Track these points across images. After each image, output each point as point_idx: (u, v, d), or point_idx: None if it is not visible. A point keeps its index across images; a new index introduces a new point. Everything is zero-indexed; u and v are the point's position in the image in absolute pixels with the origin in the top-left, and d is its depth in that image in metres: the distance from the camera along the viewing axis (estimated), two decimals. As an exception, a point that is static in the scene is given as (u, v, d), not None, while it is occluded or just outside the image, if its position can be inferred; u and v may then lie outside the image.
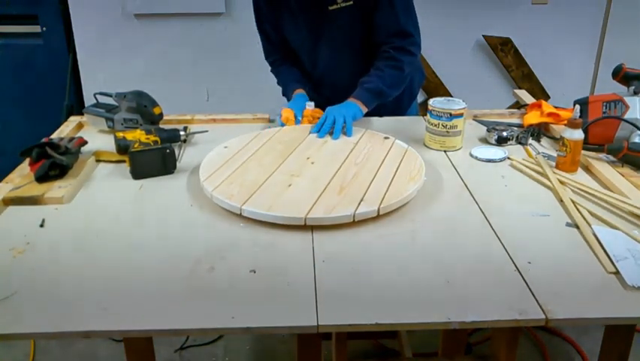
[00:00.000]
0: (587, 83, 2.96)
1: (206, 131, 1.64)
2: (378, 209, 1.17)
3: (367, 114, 1.69)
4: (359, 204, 1.18)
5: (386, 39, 1.67)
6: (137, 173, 1.38)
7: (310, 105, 1.71)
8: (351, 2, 1.63)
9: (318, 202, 1.19)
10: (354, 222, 1.16)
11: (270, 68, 1.90)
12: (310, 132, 1.58)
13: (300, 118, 1.68)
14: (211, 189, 1.23)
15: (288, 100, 1.81)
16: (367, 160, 1.40)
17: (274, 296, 0.95)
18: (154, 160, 1.39)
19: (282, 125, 1.66)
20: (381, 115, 1.79)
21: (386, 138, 1.54)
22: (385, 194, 1.22)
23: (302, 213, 1.14)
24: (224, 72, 2.83)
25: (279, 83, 1.89)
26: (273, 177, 1.30)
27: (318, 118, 1.63)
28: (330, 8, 1.64)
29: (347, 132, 1.57)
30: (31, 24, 2.72)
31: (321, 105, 1.88)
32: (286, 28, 1.76)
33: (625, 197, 1.25)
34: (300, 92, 1.78)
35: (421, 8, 1.72)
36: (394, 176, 1.31)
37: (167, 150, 1.39)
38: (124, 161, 1.41)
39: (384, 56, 1.68)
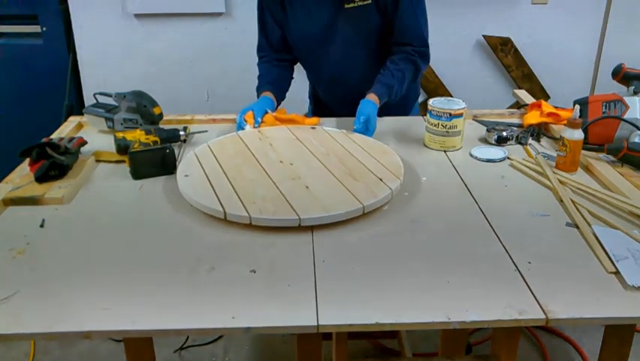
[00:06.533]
0: (587, 83, 2.95)
1: (206, 131, 1.63)
2: (363, 208, 1.18)
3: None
4: (354, 200, 1.18)
5: (408, 40, 1.67)
6: (137, 173, 1.38)
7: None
8: (370, 1, 1.61)
9: (312, 202, 1.19)
10: (354, 222, 1.16)
11: (257, 60, 1.85)
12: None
13: (259, 120, 1.63)
14: (200, 201, 1.20)
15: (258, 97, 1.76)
16: (340, 156, 1.42)
17: (274, 296, 0.95)
18: (154, 160, 1.39)
19: (242, 125, 1.62)
20: (386, 114, 1.79)
21: (312, 128, 1.61)
22: (373, 190, 1.23)
23: (296, 215, 1.14)
24: (224, 72, 2.83)
25: (258, 78, 1.83)
26: (259, 181, 1.29)
27: (282, 118, 1.66)
28: (347, 6, 1.62)
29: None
30: (31, 24, 2.72)
31: (328, 104, 1.85)
32: (295, 25, 1.72)
33: (625, 197, 1.25)
34: (267, 94, 1.73)
35: (420, 8, 1.72)
36: (373, 171, 1.33)
37: (167, 150, 1.39)
38: (124, 161, 1.41)
39: (405, 57, 1.67)
